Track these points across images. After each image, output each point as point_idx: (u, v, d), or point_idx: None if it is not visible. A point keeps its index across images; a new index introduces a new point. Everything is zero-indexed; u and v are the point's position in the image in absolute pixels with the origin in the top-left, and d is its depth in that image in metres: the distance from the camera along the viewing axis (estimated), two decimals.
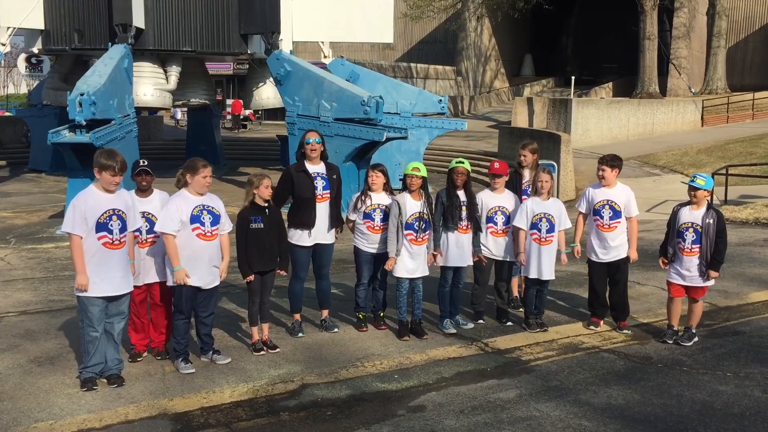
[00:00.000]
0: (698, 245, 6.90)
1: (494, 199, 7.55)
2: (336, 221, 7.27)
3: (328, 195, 7.18)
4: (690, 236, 6.92)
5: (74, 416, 5.38)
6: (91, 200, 5.72)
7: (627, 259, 7.43)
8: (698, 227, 6.89)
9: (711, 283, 7.08)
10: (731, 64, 36.86)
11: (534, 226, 7.31)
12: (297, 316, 7.34)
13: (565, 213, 7.42)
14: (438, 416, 5.47)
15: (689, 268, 6.98)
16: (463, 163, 7.37)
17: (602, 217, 7.31)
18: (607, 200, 7.30)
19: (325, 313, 7.50)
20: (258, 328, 6.80)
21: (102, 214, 5.70)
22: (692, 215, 6.96)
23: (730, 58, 36.59)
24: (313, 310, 7.69)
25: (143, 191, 6.43)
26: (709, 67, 35.22)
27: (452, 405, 5.69)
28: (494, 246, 7.56)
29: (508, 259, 7.61)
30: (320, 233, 7.17)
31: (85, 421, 5.31)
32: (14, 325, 7.65)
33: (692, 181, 7.00)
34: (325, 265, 7.38)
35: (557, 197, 7.71)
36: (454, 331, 7.32)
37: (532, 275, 7.39)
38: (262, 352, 6.68)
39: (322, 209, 7.13)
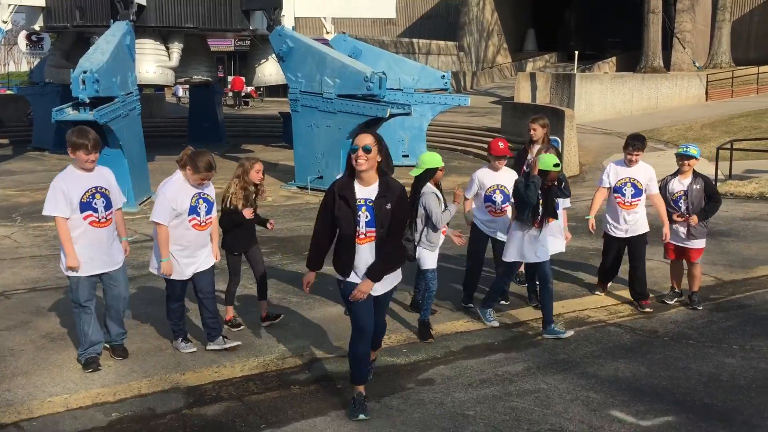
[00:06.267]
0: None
1: (493, 178, 7.29)
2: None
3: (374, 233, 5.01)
4: (683, 204, 7.26)
5: (88, 390, 5.45)
6: (70, 181, 5.62)
7: (645, 236, 7.43)
8: (687, 192, 7.26)
9: (703, 243, 7.42)
10: (736, 37, 36.57)
11: None
12: (360, 388, 5.18)
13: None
14: (447, 389, 5.53)
15: (682, 233, 7.35)
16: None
17: (624, 195, 7.31)
18: (630, 178, 7.31)
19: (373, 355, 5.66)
20: (232, 307, 6.89)
21: (84, 194, 5.62)
22: (682, 184, 7.32)
23: (734, 31, 36.28)
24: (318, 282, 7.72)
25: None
26: (713, 41, 34.95)
27: (461, 378, 5.75)
28: (491, 224, 7.33)
29: (501, 238, 7.27)
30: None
31: (99, 395, 5.38)
32: (25, 301, 7.71)
33: (686, 150, 7.27)
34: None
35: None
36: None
37: (533, 260, 7.01)
38: (241, 327, 6.76)
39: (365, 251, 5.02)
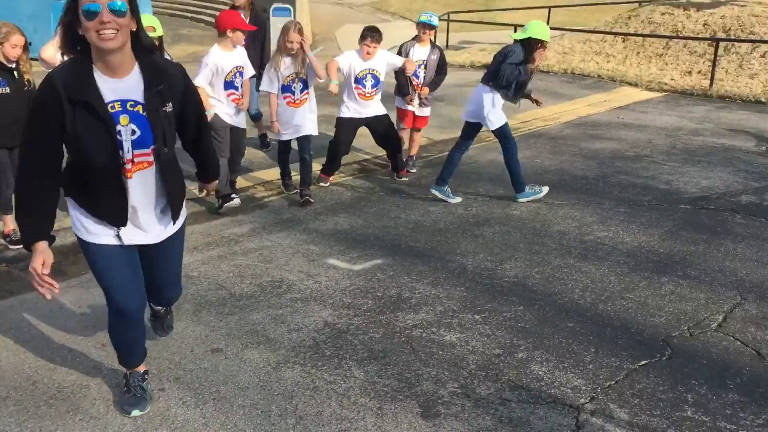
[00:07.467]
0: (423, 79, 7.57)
1: (231, 60, 6.30)
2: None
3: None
4: (422, 72, 7.54)
5: None
6: None
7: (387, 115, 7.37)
8: (426, 62, 7.52)
9: (429, 111, 7.84)
10: None
11: (287, 89, 6.68)
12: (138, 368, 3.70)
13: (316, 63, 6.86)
14: None
15: (415, 102, 7.66)
16: None
17: (364, 87, 7.09)
18: (370, 69, 7.08)
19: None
20: (11, 217, 5.61)
21: None
22: (423, 53, 7.52)
23: None
24: None
25: None
26: None
27: (187, 243, 5.72)
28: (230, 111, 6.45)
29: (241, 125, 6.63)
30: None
31: None
32: None
33: (429, 20, 7.46)
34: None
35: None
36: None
37: (288, 137, 6.83)
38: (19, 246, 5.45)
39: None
